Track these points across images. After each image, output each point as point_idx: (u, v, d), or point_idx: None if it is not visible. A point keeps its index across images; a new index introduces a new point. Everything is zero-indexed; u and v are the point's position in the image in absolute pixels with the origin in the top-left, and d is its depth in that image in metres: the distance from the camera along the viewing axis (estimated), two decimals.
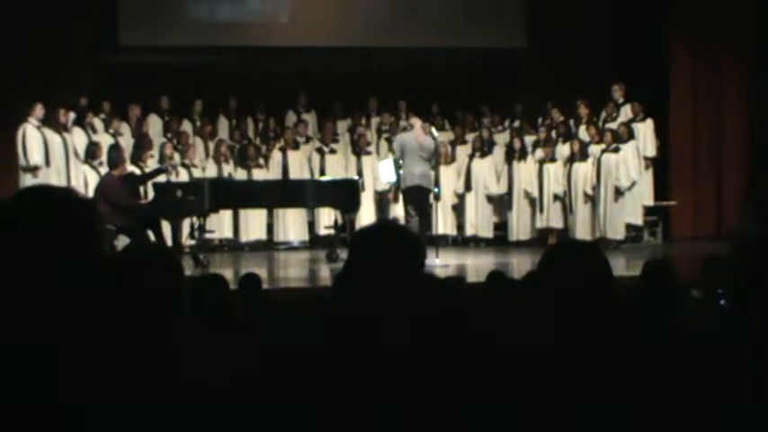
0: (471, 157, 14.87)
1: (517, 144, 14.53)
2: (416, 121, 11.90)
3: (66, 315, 1.96)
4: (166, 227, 11.63)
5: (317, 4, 15.90)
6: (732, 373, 2.57)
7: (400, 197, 12.11)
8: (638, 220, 14.02)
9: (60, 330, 1.95)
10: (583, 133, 14.14)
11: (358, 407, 2.23)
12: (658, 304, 4.82)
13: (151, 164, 13.21)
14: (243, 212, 14.33)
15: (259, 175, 14.34)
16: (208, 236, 12.81)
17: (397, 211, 13.44)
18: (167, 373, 2.14)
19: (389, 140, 14.58)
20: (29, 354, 1.91)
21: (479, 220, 14.89)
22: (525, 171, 14.39)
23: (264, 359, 2.45)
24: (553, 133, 14.44)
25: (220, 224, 13.99)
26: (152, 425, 2.05)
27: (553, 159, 14.05)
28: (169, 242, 11.41)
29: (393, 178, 11.92)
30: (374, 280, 2.37)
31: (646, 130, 14.12)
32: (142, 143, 13.63)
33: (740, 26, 14.59)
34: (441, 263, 11.15)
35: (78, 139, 13.30)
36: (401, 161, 11.56)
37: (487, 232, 14.96)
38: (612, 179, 13.36)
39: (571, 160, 13.71)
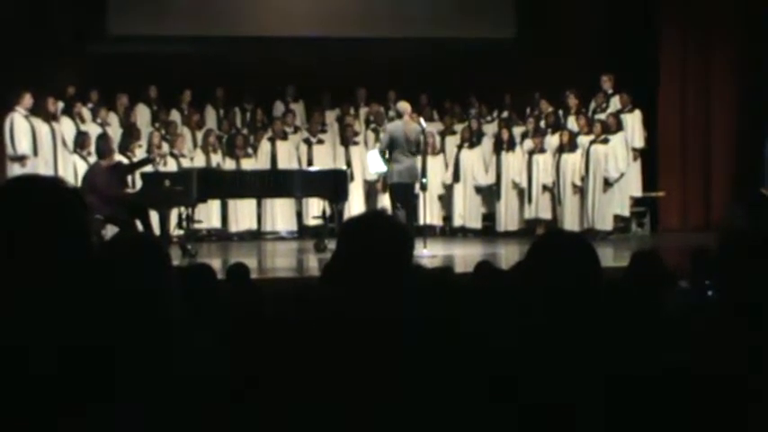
0: (460, 147, 14.88)
1: (505, 135, 14.53)
2: (405, 109, 11.76)
3: (55, 305, 1.96)
4: (154, 216, 11.62)
5: None
6: (719, 363, 2.57)
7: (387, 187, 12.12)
8: (625, 211, 14.03)
9: (47, 321, 1.94)
10: (572, 124, 14.16)
11: (347, 398, 2.23)
12: (645, 295, 4.83)
13: (139, 153, 13.19)
14: (231, 202, 14.32)
15: (247, 165, 14.34)
16: (196, 226, 12.78)
17: (385, 201, 13.44)
18: (152, 363, 2.14)
19: (377, 131, 14.57)
20: (17, 347, 1.91)
21: (467, 211, 14.91)
22: (514, 162, 14.40)
23: (252, 350, 2.45)
24: (542, 124, 14.45)
25: (209, 214, 13.97)
26: (141, 416, 2.05)
27: (542, 150, 14.05)
28: (157, 232, 11.39)
29: (381, 169, 11.90)
30: (362, 270, 2.36)
31: (634, 121, 14.14)
32: (130, 133, 13.60)
33: (731, 18, 14.60)
34: (428, 253, 11.16)
35: (66, 128, 13.25)
36: (387, 153, 11.53)
37: (476, 223, 14.98)
38: (601, 170, 13.37)
39: (560, 151, 13.71)
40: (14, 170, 12.35)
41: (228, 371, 2.28)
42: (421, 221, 11.92)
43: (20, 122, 12.53)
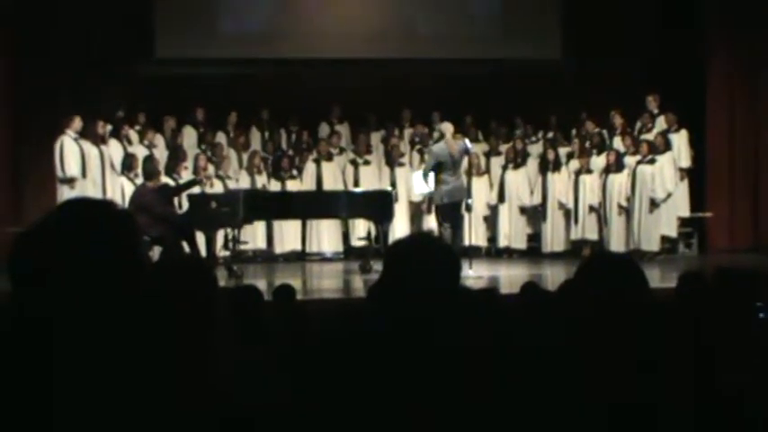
0: (505, 168, 14.85)
1: (551, 155, 14.49)
2: (447, 129, 11.81)
3: (110, 326, 1.98)
4: (201, 238, 11.69)
5: (352, 16, 15.94)
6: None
7: (433, 208, 12.15)
8: (672, 231, 13.90)
9: (102, 341, 1.96)
10: (618, 144, 14.09)
11: (395, 417, 2.23)
12: (694, 316, 4.78)
13: (185, 175, 13.27)
14: (277, 223, 14.38)
15: (293, 186, 14.39)
16: (242, 247, 12.85)
17: (431, 222, 13.45)
18: (202, 383, 2.15)
19: (422, 152, 14.58)
20: (66, 362, 1.93)
21: (513, 232, 14.86)
22: (559, 182, 14.34)
23: (298, 371, 2.46)
24: (587, 144, 14.38)
25: (254, 235, 14.04)
26: None
27: (589, 170, 13.98)
28: (203, 253, 11.46)
29: (426, 190, 11.91)
30: (410, 292, 2.37)
31: (680, 141, 14.03)
32: (176, 155, 13.71)
33: None
34: (474, 274, 11.14)
35: (114, 150, 13.41)
36: (433, 174, 11.55)
37: (521, 244, 14.92)
38: (648, 190, 13.28)
39: (606, 171, 13.64)
40: (64, 192, 12.51)
41: (277, 390, 2.29)
42: (466, 242, 11.88)
43: (69, 145, 12.70)
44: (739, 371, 2.64)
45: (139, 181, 12.31)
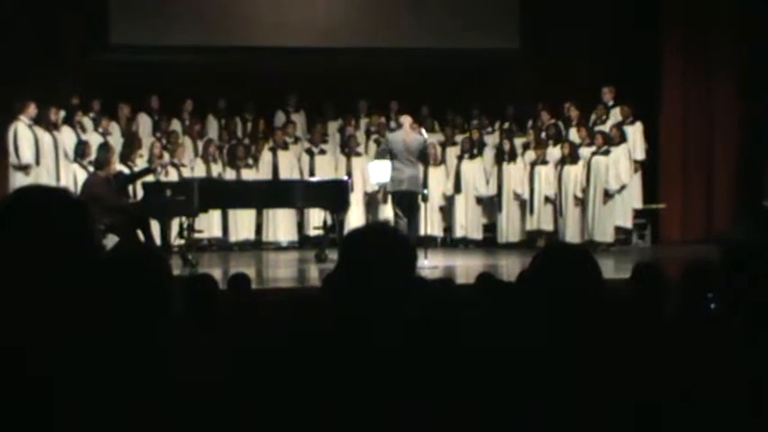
0: (461, 158, 14.88)
1: (507, 146, 14.54)
2: (406, 120, 11.90)
3: (63, 314, 1.96)
4: (155, 226, 11.60)
5: (309, 5, 15.87)
6: (722, 374, 2.57)
7: (389, 198, 12.18)
8: (627, 223, 14.02)
9: (55, 330, 1.94)
10: (573, 135, 14.16)
11: (349, 406, 2.23)
12: (647, 307, 4.82)
13: (140, 163, 13.19)
14: (232, 212, 14.31)
15: (248, 175, 14.33)
16: (197, 235, 12.78)
17: (387, 211, 13.46)
18: (156, 372, 2.14)
19: (379, 142, 14.58)
20: (21, 354, 1.91)
21: (469, 222, 14.90)
22: (515, 173, 14.40)
23: (252, 359, 2.45)
24: (543, 135, 14.45)
25: (209, 224, 13.96)
26: (141, 424, 2.05)
27: (544, 162, 14.05)
28: (158, 242, 11.38)
29: (383, 179, 11.93)
30: (365, 281, 2.36)
31: (635, 133, 14.14)
32: (131, 142, 13.60)
33: (732, 28, 14.62)
34: (430, 264, 11.16)
35: (67, 137, 13.25)
36: (389, 161, 11.60)
37: (477, 234, 14.97)
38: (602, 182, 13.36)
39: (562, 162, 13.71)
40: (17, 179, 12.33)
41: (230, 378, 2.28)
42: (422, 232, 11.92)
43: (23, 132, 12.52)
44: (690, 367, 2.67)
45: (93, 168, 12.20)
